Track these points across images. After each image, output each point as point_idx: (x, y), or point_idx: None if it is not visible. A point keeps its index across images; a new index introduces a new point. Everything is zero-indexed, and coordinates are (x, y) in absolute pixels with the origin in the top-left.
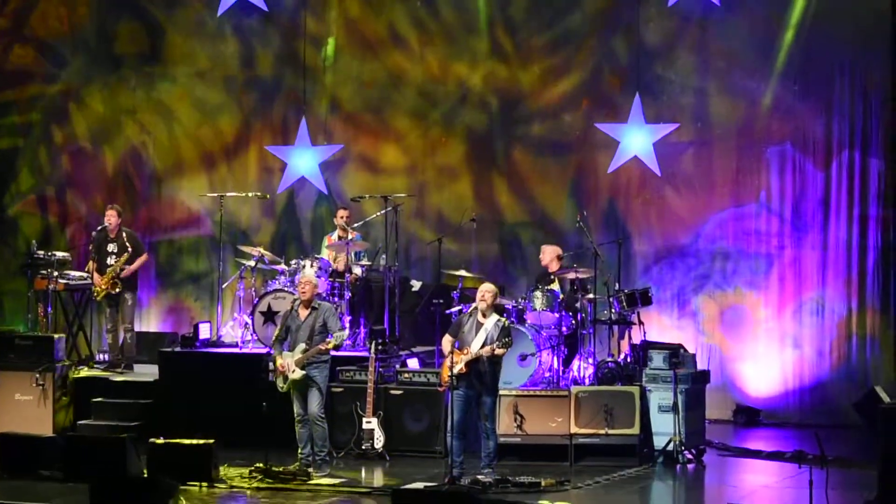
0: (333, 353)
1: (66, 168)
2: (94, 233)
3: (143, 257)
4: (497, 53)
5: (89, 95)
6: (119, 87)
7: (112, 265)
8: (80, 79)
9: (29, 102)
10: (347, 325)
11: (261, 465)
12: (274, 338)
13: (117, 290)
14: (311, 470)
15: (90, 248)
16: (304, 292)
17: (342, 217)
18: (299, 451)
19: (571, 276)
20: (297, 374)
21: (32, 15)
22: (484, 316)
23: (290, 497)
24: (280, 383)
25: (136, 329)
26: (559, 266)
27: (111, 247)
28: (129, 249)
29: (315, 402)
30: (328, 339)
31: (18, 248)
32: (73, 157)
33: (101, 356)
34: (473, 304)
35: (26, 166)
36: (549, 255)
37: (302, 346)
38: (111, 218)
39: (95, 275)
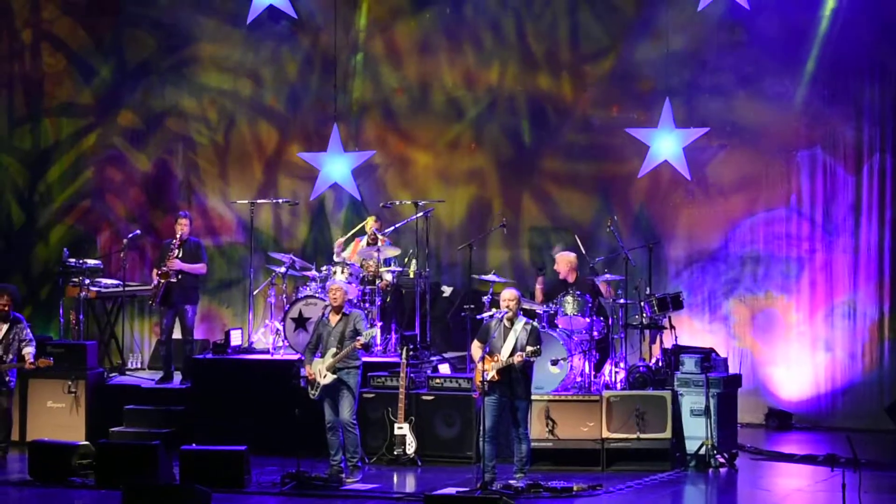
0: (365, 358)
1: (97, 176)
2: (163, 243)
3: (200, 265)
4: (526, 59)
5: (119, 105)
6: (149, 96)
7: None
8: (108, 90)
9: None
10: (378, 327)
11: (292, 471)
12: (306, 346)
13: (170, 278)
14: (343, 476)
15: (155, 259)
16: (335, 299)
17: (373, 225)
18: (331, 457)
19: (603, 285)
20: (329, 378)
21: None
22: (511, 321)
23: None
24: (312, 391)
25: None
26: (576, 276)
27: (176, 252)
28: (190, 256)
29: (346, 409)
30: (358, 338)
31: (50, 257)
32: (104, 166)
33: (133, 363)
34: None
35: (57, 175)
36: (564, 265)
37: (333, 350)
38: (184, 227)
39: (156, 274)
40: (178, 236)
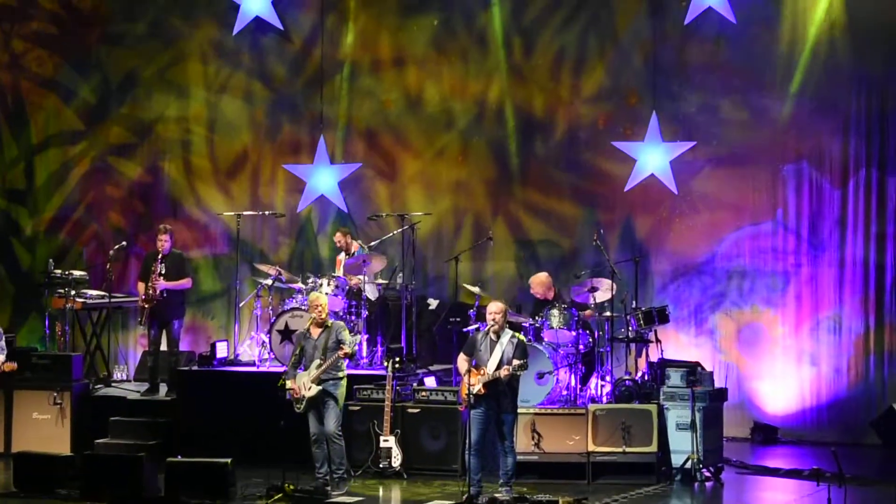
0: (351, 371)
1: (82, 187)
2: (145, 255)
3: (185, 281)
4: (513, 71)
5: (106, 115)
6: (135, 107)
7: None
8: (93, 100)
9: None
10: (365, 342)
11: (278, 483)
12: (289, 361)
13: (154, 303)
14: (328, 489)
15: (141, 270)
16: (319, 313)
17: (337, 241)
18: (316, 470)
19: (591, 300)
20: (314, 390)
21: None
22: (497, 334)
23: None
24: (297, 405)
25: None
26: (555, 293)
27: (160, 268)
28: (174, 271)
29: (332, 420)
30: (342, 346)
31: (35, 268)
32: (90, 176)
33: (119, 374)
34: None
35: (42, 186)
36: (538, 287)
37: (317, 361)
38: (165, 243)
39: (141, 298)
40: (160, 253)
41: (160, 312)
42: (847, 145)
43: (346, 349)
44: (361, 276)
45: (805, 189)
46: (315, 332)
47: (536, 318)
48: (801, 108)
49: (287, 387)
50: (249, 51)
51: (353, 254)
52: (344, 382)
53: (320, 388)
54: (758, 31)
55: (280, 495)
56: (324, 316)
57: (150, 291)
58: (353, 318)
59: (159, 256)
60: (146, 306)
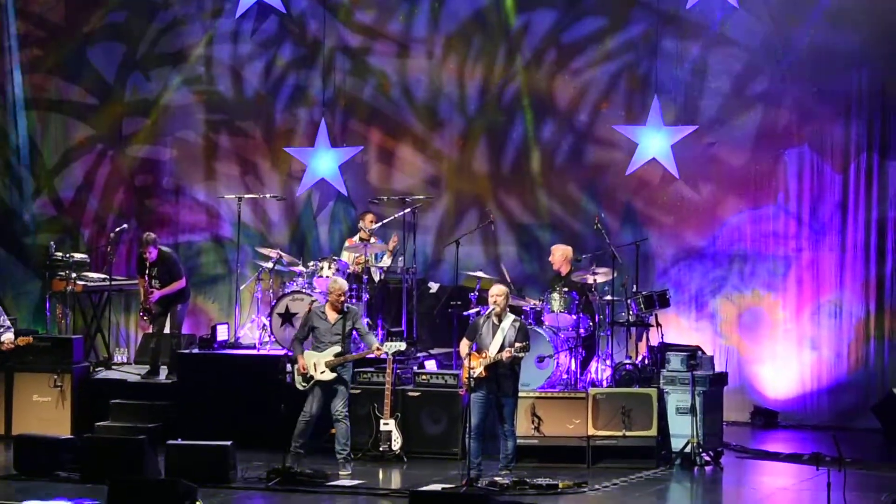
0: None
1: (84, 169)
2: (138, 257)
3: (177, 283)
4: (515, 55)
5: (108, 97)
6: (137, 89)
7: (153, 289)
8: (97, 81)
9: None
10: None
11: (278, 466)
12: (295, 338)
13: (154, 311)
14: (296, 466)
15: (137, 268)
16: (341, 301)
17: (371, 221)
18: (293, 440)
19: (590, 280)
20: (327, 375)
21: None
22: (499, 318)
23: (308, 499)
24: (302, 383)
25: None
26: (570, 269)
27: (154, 271)
28: (166, 275)
29: (340, 401)
30: (380, 346)
31: (36, 250)
32: (92, 158)
33: (119, 357)
34: (490, 308)
35: (43, 167)
36: (559, 257)
37: (336, 349)
38: (150, 254)
39: (141, 303)
40: (147, 264)
41: (164, 303)
42: (848, 129)
43: (382, 350)
44: (367, 257)
45: (806, 173)
46: (332, 316)
47: (553, 290)
48: (803, 92)
49: (288, 369)
50: (251, 33)
51: (371, 242)
52: (352, 364)
53: (335, 374)
54: (759, 14)
55: (280, 478)
56: (341, 307)
57: (148, 305)
58: (354, 301)
59: (147, 264)
60: (146, 317)
